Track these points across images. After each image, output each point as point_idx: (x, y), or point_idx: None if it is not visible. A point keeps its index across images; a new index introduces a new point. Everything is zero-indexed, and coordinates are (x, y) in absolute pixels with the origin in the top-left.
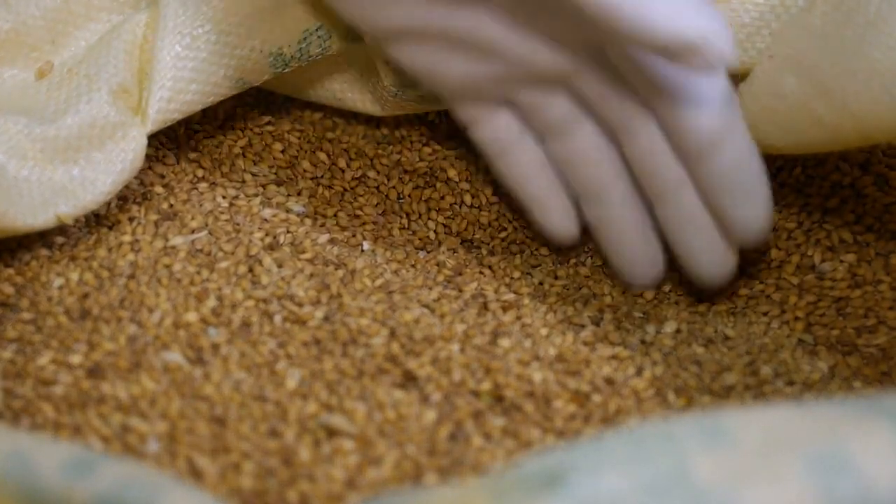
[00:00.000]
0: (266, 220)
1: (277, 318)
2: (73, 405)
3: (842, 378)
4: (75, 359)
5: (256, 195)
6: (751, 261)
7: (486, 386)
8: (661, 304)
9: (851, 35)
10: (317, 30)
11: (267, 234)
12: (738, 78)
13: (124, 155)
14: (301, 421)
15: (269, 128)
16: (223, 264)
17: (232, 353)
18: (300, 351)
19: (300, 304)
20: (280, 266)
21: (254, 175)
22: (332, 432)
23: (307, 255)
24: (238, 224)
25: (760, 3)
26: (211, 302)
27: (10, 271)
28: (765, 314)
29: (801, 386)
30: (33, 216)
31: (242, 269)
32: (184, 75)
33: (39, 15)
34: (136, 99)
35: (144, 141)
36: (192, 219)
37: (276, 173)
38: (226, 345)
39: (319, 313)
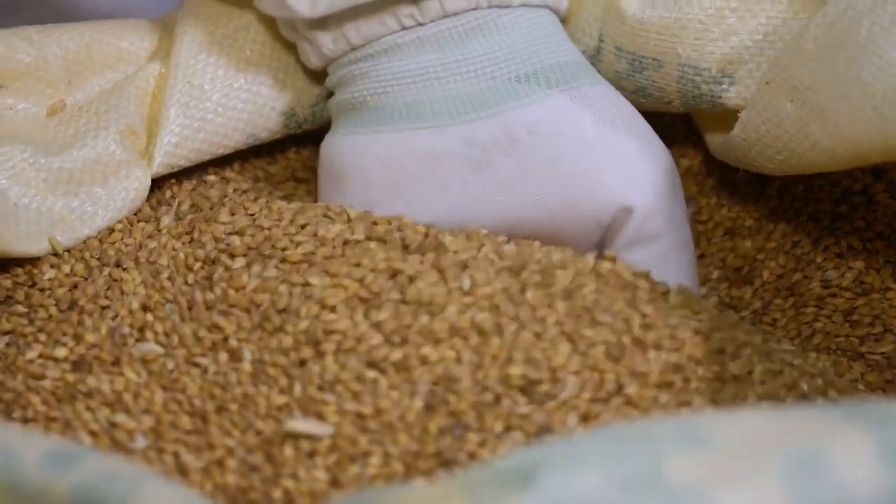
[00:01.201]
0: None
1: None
2: (62, 399)
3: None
4: (62, 352)
5: (270, 193)
6: (756, 266)
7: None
8: None
9: (843, 58)
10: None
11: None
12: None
13: (126, 193)
14: (273, 415)
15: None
16: (200, 250)
17: (193, 338)
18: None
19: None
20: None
21: (269, 174)
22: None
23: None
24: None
25: (759, 38)
26: (171, 277)
27: (13, 266)
28: (772, 323)
29: (798, 391)
30: (28, 243)
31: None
32: (192, 124)
33: (60, 54)
34: (143, 143)
35: (148, 182)
36: (187, 206)
37: (292, 174)
38: (187, 329)
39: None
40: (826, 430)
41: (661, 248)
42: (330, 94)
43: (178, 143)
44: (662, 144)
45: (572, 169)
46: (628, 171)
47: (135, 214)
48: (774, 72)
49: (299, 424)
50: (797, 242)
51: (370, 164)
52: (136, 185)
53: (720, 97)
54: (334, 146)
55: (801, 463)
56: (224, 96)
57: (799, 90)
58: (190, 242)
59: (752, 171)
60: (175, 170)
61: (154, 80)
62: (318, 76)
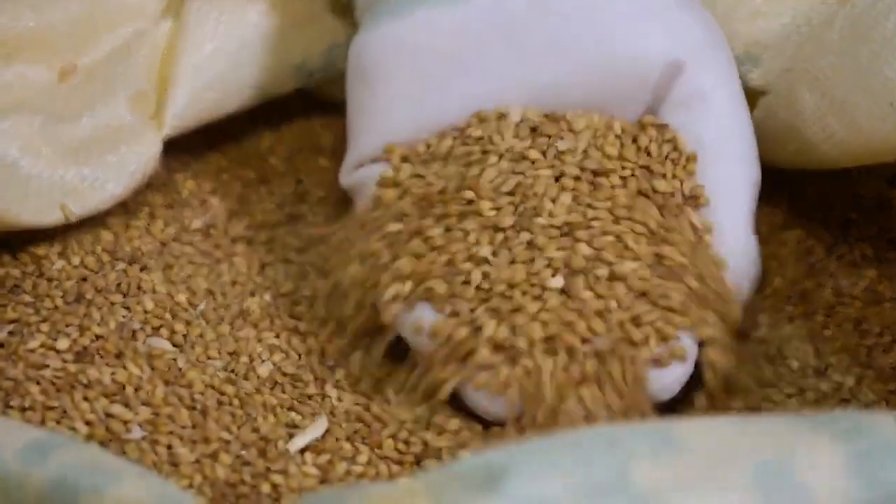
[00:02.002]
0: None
1: (254, 305)
2: (61, 389)
3: (850, 393)
4: (64, 343)
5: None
6: (768, 273)
7: None
8: None
9: (867, 52)
10: (345, 43)
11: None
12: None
13: (137, 158)
14: (275, 412)
15: (303, 124)
16: (223, 253)
17: (210, 337)
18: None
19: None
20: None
21: (279, 175)
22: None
23: None
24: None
25: (786, 22)
26: (203, 284)
27: (23, 255)
28: (790, 336)
29: (806, 398)
30: (39, 214)
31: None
32: (201, 84)
33: (65, 17)
34: (153, 105)
35: (159, 146)
36: (208, 208)
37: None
38: (208, 329)
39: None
40: (796, 441)
41: (718, 111)
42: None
43: (188, 104)
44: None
45: (611, 23)
46: (672, 22)
47: (151, 211)
48: (797, 60)
49: (300, 441)
50: (810, 249)
51: (398, 53)
52: (147, 150)
53: (744, 78)
54: (359, 44)
55: (770, 472)
56: (234, 53)
57: (820, 81)
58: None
59: (764, 166)
60: (187, 131)
61: (164, 39)
62: (332, 27)
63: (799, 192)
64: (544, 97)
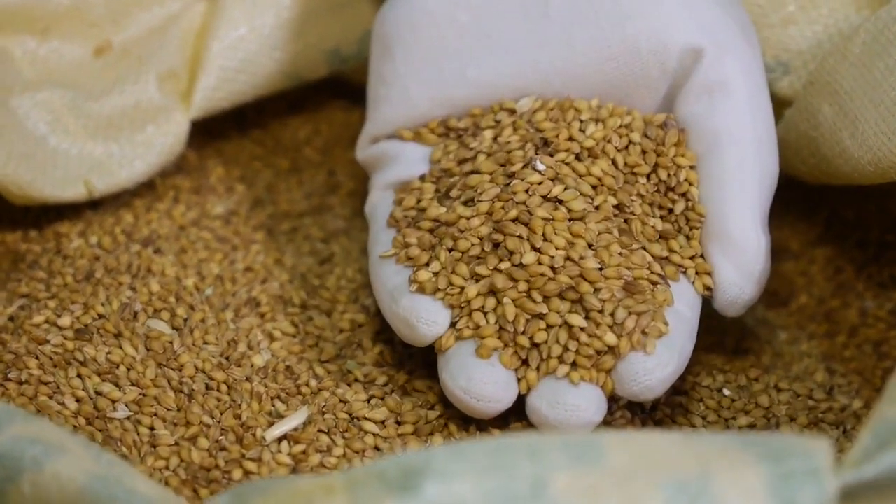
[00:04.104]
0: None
1: (263, 294)
2: (57, 365)
3: (855, 417)
4: (66, 320)
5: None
6: (795, 289)
7: None
8: None
9: (882, 67)
10: None
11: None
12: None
13: (164, 139)
14: (260, 400)
15: (343, 116)
16: (241, 240)
17: (211, 323)
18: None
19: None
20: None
21: (314, 165)
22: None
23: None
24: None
25: (818, 30)
26: (215, 270)
27: (47, 232)
28: (802, 353)
29: (800, 419)
30: (62, 188)
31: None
32: (232, 65)
33: None
34: (184, 84)
35: (186, 126)
36: (233, 194)
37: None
38: (211, 314)
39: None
40: (718, 459)
41: (736, 101)
42: None
43: (216, 86)
44: None
45: (631, 5)
46: (695, 8)
47: (176, 195)
48: (819, 73)
49: (277, 430)
50: (840, 268)
51: (421, 22)
52: (174, 130)
53: (773, 85)
54: (383, 14)
55: (686, 489)
56: (267, 36)
57: (839, 94)
58: (237, 234)
59: (799, 181)
60: (216, 113)
61: (199, 19)
62: (366, 13)
63: (838, 211)
64: (562, 79)
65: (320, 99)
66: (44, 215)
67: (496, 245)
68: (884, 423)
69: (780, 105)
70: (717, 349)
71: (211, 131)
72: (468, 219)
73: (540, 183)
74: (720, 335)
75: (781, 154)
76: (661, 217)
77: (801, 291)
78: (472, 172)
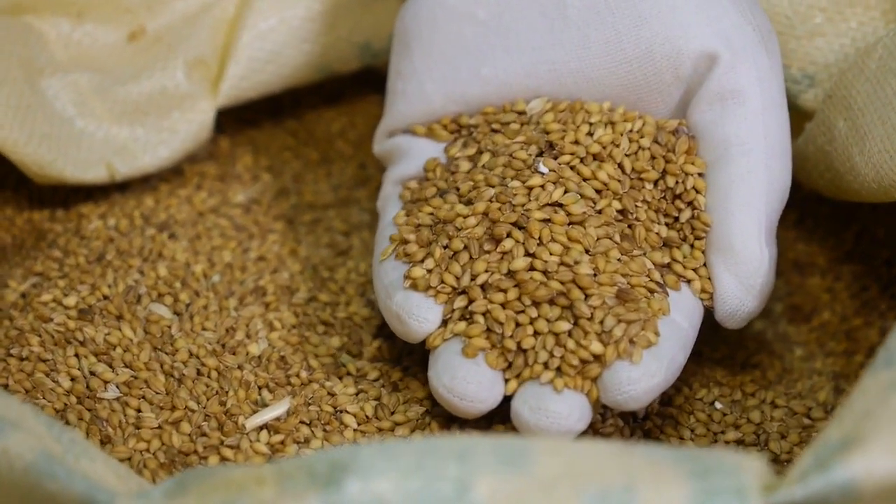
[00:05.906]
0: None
1: (271, 284)
2: (58, 343)
3: None
4: (72, 299)
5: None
6: (819, 305)
7: None
8: None
9: (895, 83)
10: None
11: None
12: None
13: (189, 126)
14: (248, 388)
15: (378, 110)
16: (259, 229)
17: (213, 309)
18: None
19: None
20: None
21: (344, 158)
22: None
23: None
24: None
25: (846, 43)
26: (226, 257)
27: (71, 213)
28: (812, 371)
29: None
30: (83, 170)
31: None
32: (261, 55)
33: None
34: (213, 72)
35: (212, 114)
36: (257, 183)
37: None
38: (214, 301)
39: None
40: (645, 472)
41: (748, 110)
42: None
43: (244, 76)
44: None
45: (647, 8)
46: (713, 14)
47: (200, 181)
48: (837, 87)
49: (257, 419)
50: (866, 286)
51: (440, 17)
52: (199, 118)
53: (797, 98)
54: (404, 8)
55: (609, 500)
56: (297, 28)
57: (852, 109)
58: (256, 223)
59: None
60: (243, 102)
61: (233, 8)
62: (396, 5)
63: (868, 228)
64: (575, 80)
65: (357, 92)
66: (72, 196)
67: (491, 245)
68: (825, 445)
69: (803, 118)
70: (725, 362)
71: (246, 120)
72: (465, 217)
73: (541, 186)
74: (733, 348)
75: (802, 168)
76: (667, 225)
77: (824, 307)
78: (475, 171)
